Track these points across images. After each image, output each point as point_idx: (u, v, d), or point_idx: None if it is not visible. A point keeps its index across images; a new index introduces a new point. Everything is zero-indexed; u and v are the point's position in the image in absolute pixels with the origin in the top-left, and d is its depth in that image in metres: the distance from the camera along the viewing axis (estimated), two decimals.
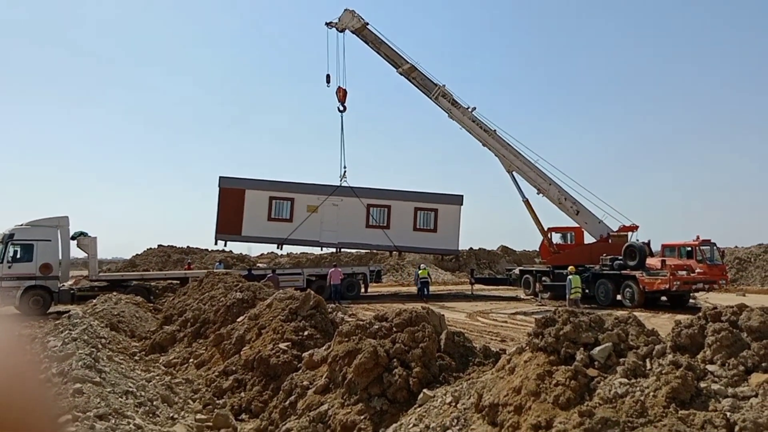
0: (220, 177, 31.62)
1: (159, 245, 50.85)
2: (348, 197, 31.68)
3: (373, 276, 31.98)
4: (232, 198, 31.18)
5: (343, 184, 31.95)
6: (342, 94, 31.56)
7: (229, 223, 31.11)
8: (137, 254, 49.61)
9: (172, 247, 50.70)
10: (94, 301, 20.57)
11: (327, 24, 30.85)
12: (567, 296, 21.29)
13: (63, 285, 26.02)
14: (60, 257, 25.46)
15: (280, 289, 25.79)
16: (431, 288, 31.98)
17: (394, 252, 35.33)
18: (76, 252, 28.28)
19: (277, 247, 34.39)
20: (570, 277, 21.24)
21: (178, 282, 27.90)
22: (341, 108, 31.94)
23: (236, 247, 50.88)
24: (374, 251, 40.00)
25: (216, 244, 34.58)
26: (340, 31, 30.53)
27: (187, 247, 51.38)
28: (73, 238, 26.51)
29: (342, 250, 35.75)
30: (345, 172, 32.11)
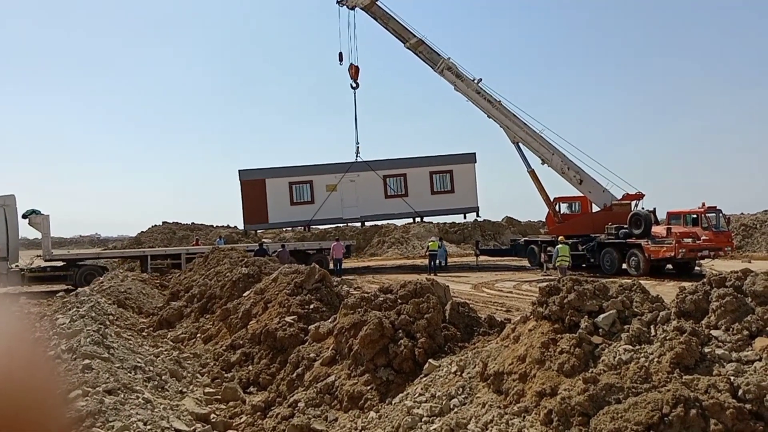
0: (240, 170, 32.90)
1: (164, 222, 51.02)
2: (364, 172, 32.53)
3: (345, 253, 31.58)
4: (254, 189, 32.41)
5: (357, 160, 32.61)
6: (354, 71, 31.82)
7: (255, 213, 32.53)
8: (142, 231, 49.80)
9: (177, 224, 50.88)
10: (101, 278, 20.67)
11: (338, 2, 30.97)
12: (553, 264, 22.04)
13: (12, 266, 25.10)
14: (7, 237, 24.49)
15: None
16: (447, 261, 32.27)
17: (413, 219, 35.77)
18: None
19: (304, 229, 36.10)
20: (558, 246, 21.87)
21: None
22: (354, 85, 32.23)
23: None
24: (347, 224, 40.38)
25: (246, 234, 37.65)
26: (351, 9, 30.64)
27: (192, 223, 51.58)
28: (24, 216, 25.80)
29: (349, 224, 37.49)
30: (358, 147, 32.71)
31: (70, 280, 25.56)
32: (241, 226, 50.22)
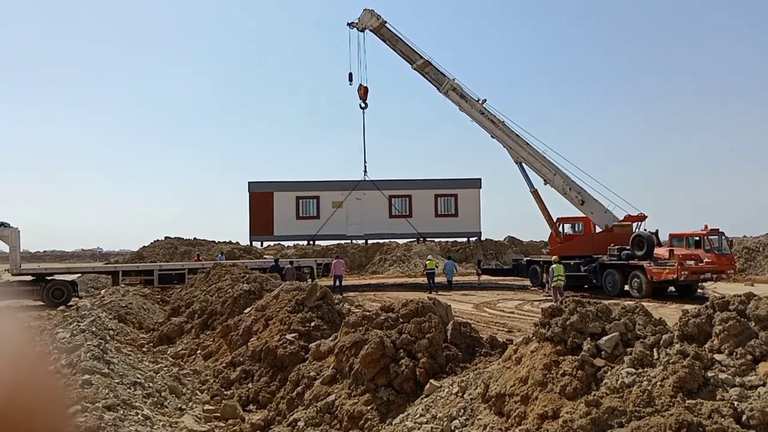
0: (249, 182, 33.69)
1: (166, 237, 51.04)
2: (370, 191, 33.15)
3: (320, 269, 31.48)
4: (261, 201, 33.12)
5: (365, 179, 33.20)
6: (363, 92, 32.52)
7: (261, 225, 33.12)
8: (144, 246, 49.81)
9: (179, 239, 50.86)
10: (102, 293, 20.65)
11: (348, 24, 31.86)
12: (549, 284, 22.21)
13: None
14: None
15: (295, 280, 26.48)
16: (453, 279, 32.28)
17: (416, 239, 36.77)
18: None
19: (308, 243, 36.81)
20: (553, 266, 21.94)
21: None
22: (363, 105, 32.88)
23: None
24: (351, 241, 40.70)
25: (251, 244, 38.14)
26: (361, 31, 31.49)
27: (194, 238, 51.54)
28: None
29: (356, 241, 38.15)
30: (366, 166, 33.36)
31: (37, 296, 24.95)
32: (243, 242, 50.53)
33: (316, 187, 33.71)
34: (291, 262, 29.62)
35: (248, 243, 36.78)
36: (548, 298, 23.91)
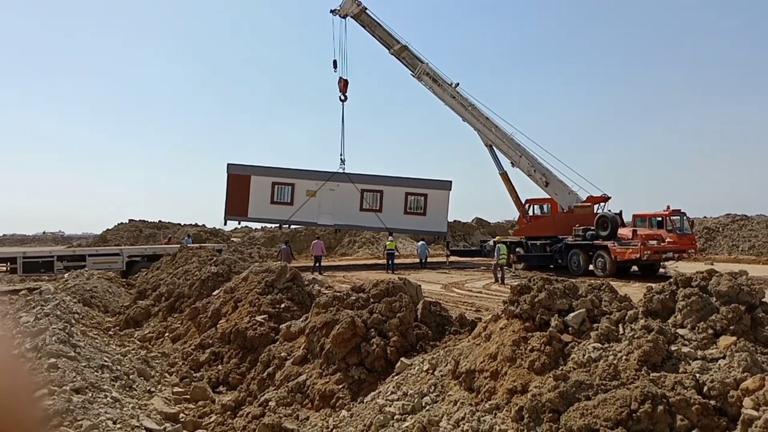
0: (228, 164, 34.53)
1: (130, 220, 50.19)
2: (344, 183, 34.13)
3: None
4: (239, 183, 33.98)
5: (340, 171, 34.28)
6: (343, 84, 33.45)
7: (236, 206, 34.08)
8: (108, 229, 48.91)
9: (143, 221, 50.09)
10: (66, 276, 20.25)
11: (331, 11, 32.44)
12: (495, 261, 24.02)
13: None
14: None
15: (291, 261, 27.11)
16: (426, 259, 33.81)
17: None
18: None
19: (279, 227, 37.92)
20: (498, 245, 23.91)
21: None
22: (342, 97, 33.75)
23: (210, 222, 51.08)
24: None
25: (225, 224, 39.13)
26: (342, 17, 32.06)
27: (159, 221, 50.83)
28: None
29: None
30: (343, 160, 34.44)
31: None
32: (209, 224, 50.05)
33: (293, 175, 34.46)
34: (286, 242, 31.21)
35: (223, 223, 37.73)
36: (515, 278, 24.26)
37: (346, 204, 34.12)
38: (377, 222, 34.13)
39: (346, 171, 34.46)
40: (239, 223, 40.84)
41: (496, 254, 23.67)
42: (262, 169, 34.64)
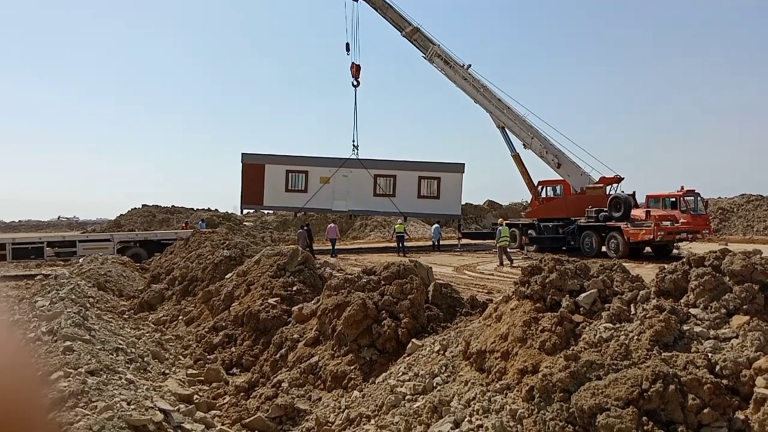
0: (243, 153, 34.82)
1: (143, 205, 50.50)
2: (357, 169, 34.18)
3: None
4: (253, 172, 34.29)
5: (352, 157, 34.29)
6: (355, 70, 33.34)
7: (252, 195, 34.46)
8: (122, 214, 49.27)
9: (156, 206, 50.39)
10: (80, 261, 20.46)
11: None
12: (496, 244, 24.10)
13: None
14: None
15: (309, 244, 27.59)
16: (439, 241, 34.16)
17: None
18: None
19: (294, 215, 38.59)
20: (500, 228, 24.03)
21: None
22: (355, 83, 33.73)
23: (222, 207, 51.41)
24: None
25: (242, 213, 40.75)
26: (355, 0, 31.80)
27: (172, 206, 51.12)
28: None
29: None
30: (356, 146, 34.41)
31: None
32: (221, 209, 50.30)
33: (306, 162, 34.67)
34: (302, 227, 31.11)
35: (240, 212, 38.68)
36: (527, 260, 24.20)
37: (360, 190, 34.28)
38: (391, 207, 34.20)
39: (359, 157, 34.51)
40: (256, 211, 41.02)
41: (497, 237, 23.81)
42: (275, 157, 34.93)
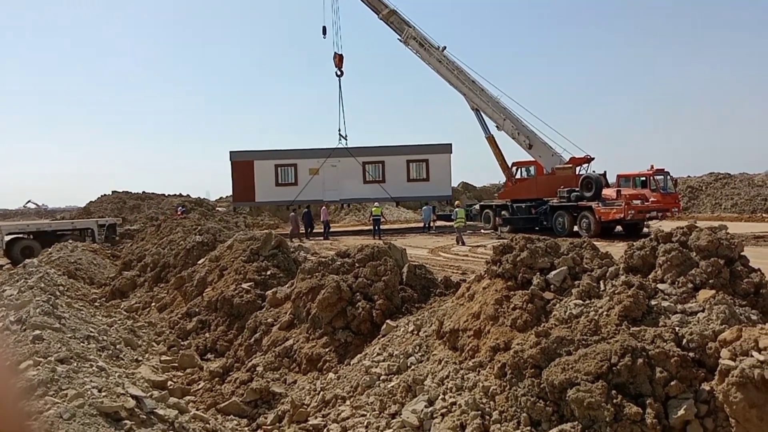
0: (231, 151, 35.32)
1: (113, 191, 49.64)
2: (345, 158, 34.53)
3: (104, 232, 26.40)
4: (243, 169, 34.56)
5: (339, 146, 34.71)
6: (338, 60, 33.62)
7: (243, 192, 34.87)
8: (91, 201, 48.38)
9: (127, 192, 49.56)
10: (50, 249, 20.09)
11: None
12: (454, 225, 25.53)
13: None
14: None
15: (298, 228, 27.51)
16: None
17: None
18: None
19: (287, 208, 38.10)
20: (456, 209, 25.55)
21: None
22: (338, 73, 34.04)
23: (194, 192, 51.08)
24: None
25: (235, 210, 41.59)
26: None
27: (143, 192, 50.35)
28: None
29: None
30: (342, 135, 34.85)
31: None
32: (193, 195, 49.83)
33: (294, 155, 34.92)
34: (293, 210, 32.07)
35: (232, 210, 40.14)
36: (501, 240, 24.42)
37: (350, 178, 34.67)
38: (382, 193, 34.50)
39: (346, 146, 34.80)
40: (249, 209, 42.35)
41: (454, 218, 25.04)
42: (263, 153, 35.15)
